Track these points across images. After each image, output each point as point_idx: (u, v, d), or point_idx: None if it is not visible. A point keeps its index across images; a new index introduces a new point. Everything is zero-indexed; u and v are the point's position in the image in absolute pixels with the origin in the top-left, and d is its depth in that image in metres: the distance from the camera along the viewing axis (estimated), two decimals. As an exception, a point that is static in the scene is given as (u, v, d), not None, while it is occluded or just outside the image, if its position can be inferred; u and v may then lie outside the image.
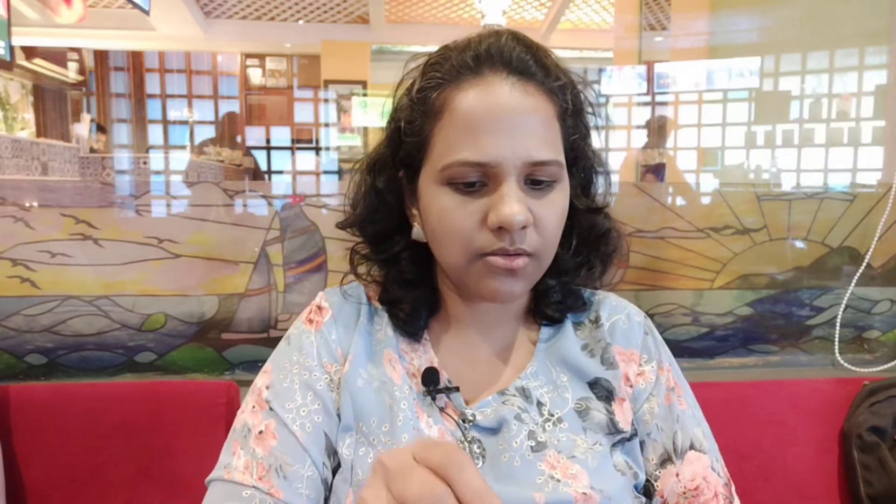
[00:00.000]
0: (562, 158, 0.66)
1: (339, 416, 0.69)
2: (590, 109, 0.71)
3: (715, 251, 1.69)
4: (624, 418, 0.71)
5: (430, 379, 0.70)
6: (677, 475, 0.70)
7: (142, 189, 1.60)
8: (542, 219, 0.64)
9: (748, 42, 1.97)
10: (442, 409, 0.70)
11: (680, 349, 1.69)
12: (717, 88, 2.00)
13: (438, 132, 0.65)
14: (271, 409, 0.68)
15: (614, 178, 2.06)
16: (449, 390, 0.69)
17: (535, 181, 0.64)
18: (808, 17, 1.88)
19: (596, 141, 0.75)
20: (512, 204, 0.61)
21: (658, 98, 2.09)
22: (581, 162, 0.72)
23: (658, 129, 2.07)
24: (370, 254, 0.76)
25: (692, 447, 0.71)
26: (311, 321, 0.75)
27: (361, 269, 0.78)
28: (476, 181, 0.63)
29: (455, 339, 0.75)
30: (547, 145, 0.64)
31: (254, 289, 1.56)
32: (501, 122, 0.62)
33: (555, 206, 0.65)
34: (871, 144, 1.87)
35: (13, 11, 1.56)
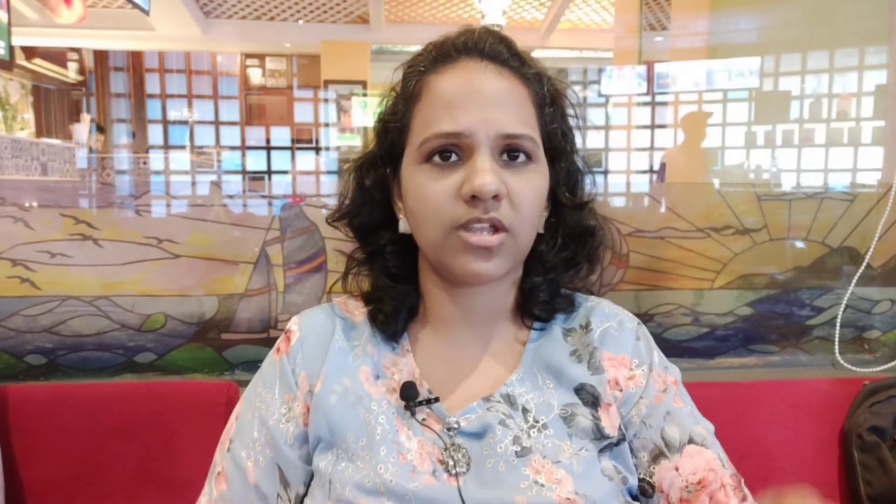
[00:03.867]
0: (537, 137, 0.68)
1: (307, 440, 0.71)
2: (571, 111, 0.74)
3: (715, 251, 1.69)
4: (610, 424, 0.70)
5: (408, 393, 0.69)
6: (676, 469, 0.69)
7: (142, 189, 1.60)
8: (517, 193, 0.65)
9: (748, 42, 1.97)
10: (423, 421, 0.69)
11: (680, 349, 1.69)
12: (717, 88, 2.00)
13: (417, 113, 0.69)
14: (229, 449, 0.73)
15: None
16: (429, 402, 0.69)
17: (510, 156, 0.66)
18: (808, 17, 1.88)
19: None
20: (484, 173, 0.63)
21: (658, 98, 2.09)
22: (563, 158, 0.73)
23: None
24: (358, 247, 0.78)
25: (692, 441, 0.70)
26: (278, 350, 0.76)
27: (352, 284, 0.80)
28: (451, 154, 0.65)
29: (438, 344, 0.75)
30: (520, 121, 0.66)
31: (253, 289, 1.56)
32: (475, 97, 0.65)
33: (530, 182, 0.67)
34: (871, 144, 1.87)
35: (13, 11, 1.56)
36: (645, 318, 0.76)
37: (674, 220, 1.68)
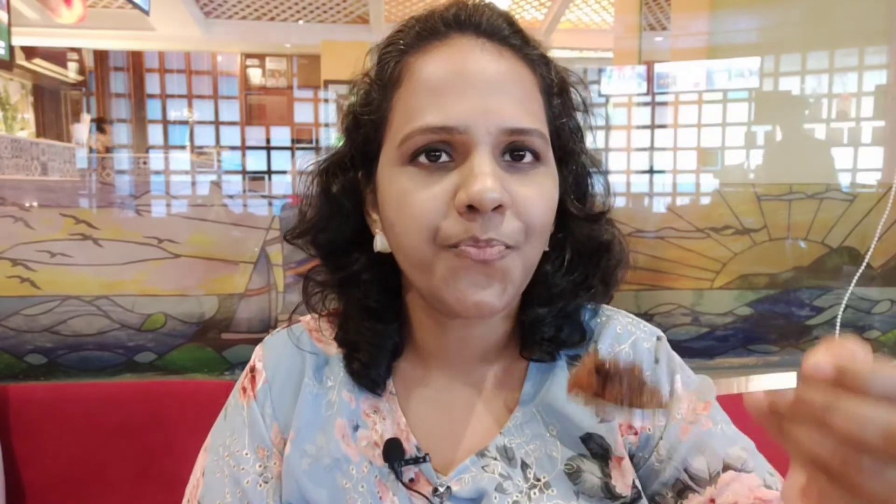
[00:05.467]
0: (546, 133, 0.55)
1: None
2: (582, 107, 0.62)
3: (715, 251, 1.69)
4: (623, 481, 0.59)
5: (393, 453, 0.59)
6: (713, 502, 0.57)
7: (142, 189, 1.60)
8: (524, 202, 0.52)
9: (748, 42, 1.98)
10: (411, 482, 0.59)
11: (680, 349, 1.68)
12: (717, 88, 2.00)
13: (397, 103, 0.55)
14: None
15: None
16: (417, 461, 0.59)
17: (514, 156, 0.53)
18: (808, 17, 1.88)
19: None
20: (484, 178, 0.50)
21: (658, 98, 2.09)
22: (571, 159, 0.61)
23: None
24: (325, 271, 0.64)
25: (728, 468, 0.58)
26: (244, 390, 0.65)
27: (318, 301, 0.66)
28: (441, 152, 0.52)
29: (427, 386, 0.63)
30: (526, 113, 0.53)
31: (253, 289, 1.56)
32: (470, 83, 0.52)
33: (540, 189, 0.54)
34: (871, 144, 1.87)
35: (13, 11, 1.57)
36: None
37: (673, 220, 1.68)
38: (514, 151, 0.53)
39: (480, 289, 0.52)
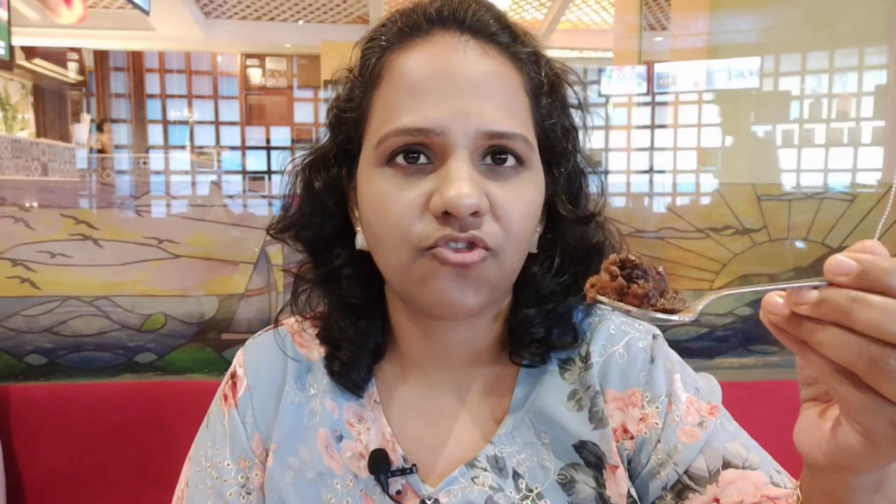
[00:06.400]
0: (531, 136, 0.54)
1: None
2: (575, 102, 0.60)
3: (714, 251, 1.69)
4: (617, 491, 0.57)
5: (379, 465, 0.58)
6: (717, 501, 0.54)
7: (142, 189, 1.60)
8: (503, 206, 0.51)
9: (748, 42, 1.98)
10: (398, 494, 0.58)
11: (680, 350, 1.68)
12: (718, 88, 2.00)
13: (377, 101, 0.54)
14: None
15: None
16: (404, 472, 0.57)
17: (496, 159, 0.52)
18: (808, 18, 1.88)
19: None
20: (460, 183, 0.48)
21: (658, 98, 2.09)
22: (562, 160, 0.59)
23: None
24: (311, 267, 0.64)
25: (729, 465, 0.55)
26: (225, 398, 0.64)
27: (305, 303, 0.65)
28: (418, 154, 0.51)
29: (412, 391, 0.62)
30: (509, 116, 0.52)
31: (253, 289, 1.56)
32: (451, 84, 0.51)
33: (521, 194, 0.52)
34: (871, 144, 1.87)
35: (13, 11, 1.57)
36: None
37: (673, 221, 1.69)
38: (495, 154, 0.52)
39: (456, 290, 0.51)
